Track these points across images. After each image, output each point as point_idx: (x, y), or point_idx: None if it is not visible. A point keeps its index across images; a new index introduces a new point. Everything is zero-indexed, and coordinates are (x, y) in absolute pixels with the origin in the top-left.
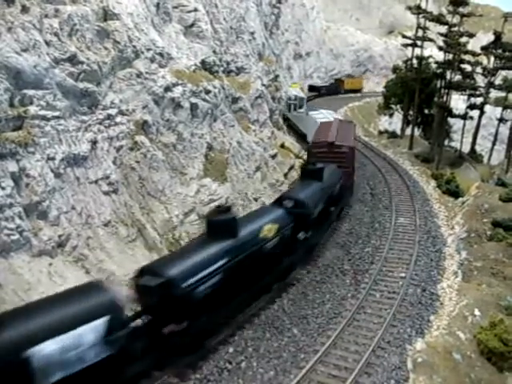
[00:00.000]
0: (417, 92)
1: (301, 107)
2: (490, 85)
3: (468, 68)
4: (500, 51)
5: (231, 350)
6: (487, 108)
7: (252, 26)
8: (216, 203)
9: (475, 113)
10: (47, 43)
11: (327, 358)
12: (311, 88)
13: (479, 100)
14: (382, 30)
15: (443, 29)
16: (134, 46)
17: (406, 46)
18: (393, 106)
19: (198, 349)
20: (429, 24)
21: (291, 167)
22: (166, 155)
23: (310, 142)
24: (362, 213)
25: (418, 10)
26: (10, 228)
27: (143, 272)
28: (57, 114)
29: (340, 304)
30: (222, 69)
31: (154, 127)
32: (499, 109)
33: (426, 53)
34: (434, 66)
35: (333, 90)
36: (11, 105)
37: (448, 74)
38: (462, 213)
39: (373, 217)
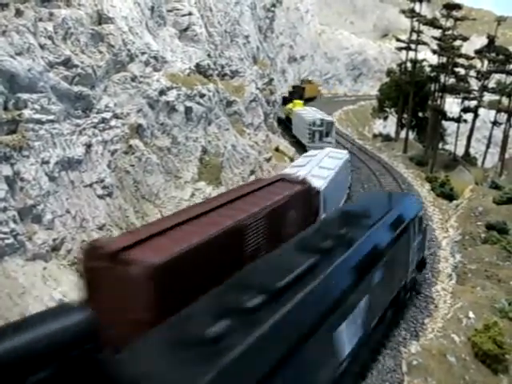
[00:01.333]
0: (411, 95)
1: (328, 135)
2: (484, 88)
3: (462, 71)
4: (493, 55)
5: None
6: (481, 111)
7: (246, 29)
8: None
9: (469, 116)
10: (41, 47)
11: None
12: None
13: (473, 103)
14: (377, 33)
15: (437, 32)
16: (129, 50)
17: (400, 49)
18: (387, 109)
19: None
20: (423, 27)
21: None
22: (160, 159)
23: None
24: None
25: (411, 13)
26: (4, 232)
27: None
28: (51, 117)
29: None
30: (216, 72)
31: (148, 131)
32: (493, 112)
33: (420, 56)
34: (428, 69)
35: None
36: (5, 108)
37: (442, 78)
38: (456, 216)
39: None
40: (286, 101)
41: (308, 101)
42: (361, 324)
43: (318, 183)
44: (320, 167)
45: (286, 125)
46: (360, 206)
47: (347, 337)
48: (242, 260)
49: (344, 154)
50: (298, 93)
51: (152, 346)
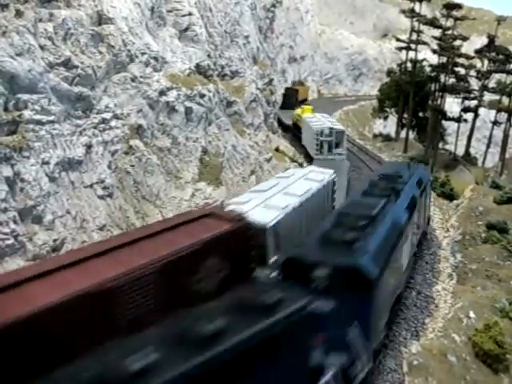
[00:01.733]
0: (411, 95)
1: (338, 146)
2: (484, 88)
3: (462, 71)
4: (493, 54)
5: None
6: (481, 111)
7: (246, 29)
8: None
9: (469, 116)
10: (42, 47)
11: None
12: None
13: (473, 103)
14: (377, 33)
15: (437, 32)
16: (129, 50)
17: (400, 49)
18: (387, 109)
19: None
20: (423, 27)
21: (286, 171)
22: (160, 159)
23: None
24: None
25: (411, 13)
26: (5, 233)
27: None
28: (51, 118)
29: None
30: (216, 73)
31: (148, 131)
32: (493, 111)
33: (420, 56)
34: (428, 69)
35: (290, 103)
36: (6, 109)
37: (442, 77)
38: (456, 215)
39: None
40: (282, 105)
41: (300, 103)
42: (409, 250)
43: (268, 217)
44: (284, 193)
45: (293, 133)
46: (391, 169)
47: (405, 255)
48: (115, 333)
49: (327, 175)
50: (292, 95)
51: (312, 243)
